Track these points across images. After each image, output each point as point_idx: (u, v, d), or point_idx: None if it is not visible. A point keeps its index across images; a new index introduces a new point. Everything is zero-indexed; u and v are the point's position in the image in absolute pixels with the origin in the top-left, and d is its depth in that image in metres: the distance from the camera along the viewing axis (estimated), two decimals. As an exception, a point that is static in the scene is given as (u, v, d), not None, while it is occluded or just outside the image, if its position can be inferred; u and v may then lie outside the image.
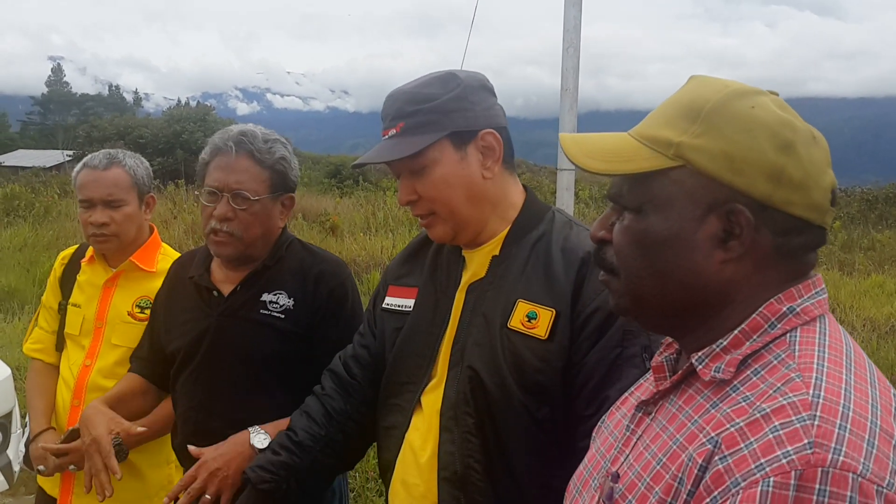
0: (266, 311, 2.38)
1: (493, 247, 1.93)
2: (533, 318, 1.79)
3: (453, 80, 1.88)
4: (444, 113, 1.84)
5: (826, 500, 0.91)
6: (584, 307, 1.75)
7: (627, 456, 1.22)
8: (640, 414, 1.26)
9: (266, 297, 2.39)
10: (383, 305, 2.13)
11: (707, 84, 1.18)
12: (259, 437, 2.16)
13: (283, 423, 2.19)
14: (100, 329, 2.87)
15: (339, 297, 2.43)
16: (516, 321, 1.81)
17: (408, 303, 2.07)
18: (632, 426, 1.26)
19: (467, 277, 1.96)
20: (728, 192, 1.11)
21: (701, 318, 1.17)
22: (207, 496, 2.05)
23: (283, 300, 2.39)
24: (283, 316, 2.37)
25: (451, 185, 1.87)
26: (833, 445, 0.94)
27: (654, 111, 1.23)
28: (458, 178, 1.87)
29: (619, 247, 1.22)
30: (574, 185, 6.67)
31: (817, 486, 0.92)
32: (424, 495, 1.90)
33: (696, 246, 1.14)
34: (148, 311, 2.77)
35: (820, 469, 0.92)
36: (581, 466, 1.37)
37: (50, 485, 2.91)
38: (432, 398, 1.92)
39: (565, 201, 6.11)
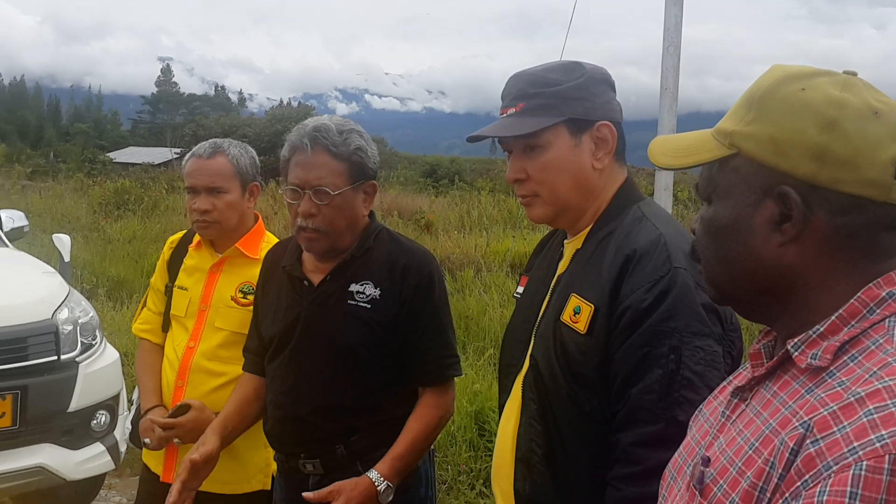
0: (353, 301, 2.42)
1: (579, 240, 1.96)
2: (577, 313, 1.83)
3: (578, 69, 1.93)
4: (565, 99, 1.88)
5: None
6: (619, 304, 1.75)
7: (720, 441, 1.21)
8: (735, 400, 1.25)
9: (354, 287, 2.43)
10: (514, 294, 2.23)
11: (773, 71, 1.19)
12: (383, 487, 2.33)
13: (397, 456, 2.36)
14: (203, 312, 2.97)
15: (426, 288, 2.45)
16: (566, 315, 1.85)
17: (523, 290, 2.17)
18: (727, 412, 1.25)
19: (559, 268, 2.01)
20: (777, 175, 1.12)
21: (780, 303, 1.18)
22: None
23: (370, 290, 2.42)
24: (369, 306, 2.41)
25: (560, 169, 1.90)
26: None
27: None
28: (568, 163, 1.90)
29: (696, 236, 1.28)
30: (672, 186, 6.58)
31: None
32: (507, 475, 1.97)
33: (754, 231, 1.16)
34: (251, 297, 2.86)
35: None
36: (676, 454, 1.37)
37: (154, 462, 3.02)
38: (518, 383, 1.98)
39: (663, 202, 6.04)
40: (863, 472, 0.91)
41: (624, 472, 1.70)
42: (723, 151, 1.18)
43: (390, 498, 2.34)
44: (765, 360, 1.23)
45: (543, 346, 1.90)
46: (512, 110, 1.92)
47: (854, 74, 1.16)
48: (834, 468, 0.94)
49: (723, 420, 1.25)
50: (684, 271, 1.72)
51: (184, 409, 2.83)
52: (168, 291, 3.11)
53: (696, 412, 1.41)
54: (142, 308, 3.26)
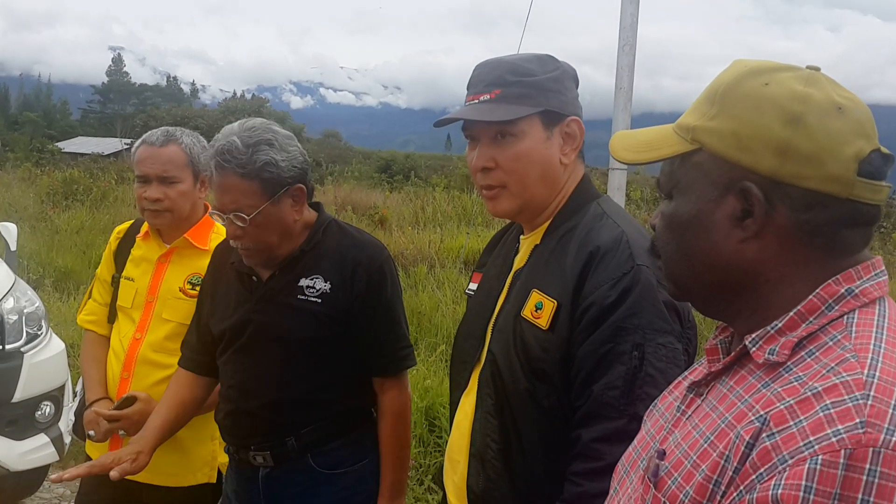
0: (303, 297, 2.39)
1: (536, 236, 1.96)
2: (539, 308, 1.82)
3: (553, 62, 1.93)
4: (542, 90, 1.87)
5: (876, 480, 0.90)
6: (582, 300, 1.75)
7: (675, 434, 1.21)
8: (691, 395, 1.25)
9: (303, 281, 2.41)
10: (466, 290, 2.22)
11: (736, 66, 1.19)
12: None
13: (389, 484, 2.46)
14: (151, 303, 2.92)
15: (378, 281, 2.44)
16: (527, 310, 1.85)
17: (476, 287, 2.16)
18: (682, 407, 1.26)
19: (516, 264, 2.00)
20: (740, 171, 1.11)
21: (741, 299, 1.18)
22: None
23: (320, 284, 2.40)
24: (319, 300, 2.39)
25: (531, 160, 1.88)
26: (886, 426, 0.93)
27: None
28: (539, 155, 1.89)
29: (657, 231, 1.27)
30: (626, 185, 6.64)
31: (868, 466, 0.90)
32: (461, 471, 1.97)
33: (715, 226, 1.15)
34: (199, 288, 2.82)
35: (871, 449, 0.91)
36: (630, 448, 1.37)
37: (97, 453, 2.96)
38: (475, 378, 1.98)
39: (617, 201, 6.07)
40: (818, 466, 0.91)
41: (584, 467, 1.70)
42: (685, 146, 1.18)
43: None
44: (721, 356, 1.24)
45: (502, 341, 1.89)
46: (486, 96, 1.88)
47: (817, 69, 1.16)
48: (789, 461, 0.94)
49: (678, 415, 1.25)
50: (647, 268, 1.72)
51: (130, 401, 2.78)
52: (115, 282, 3.05)
53: (651, 407, 1.41)
54: (87, 299, 3.19)
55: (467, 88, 1.94)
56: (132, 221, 3.18)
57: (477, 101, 1.89)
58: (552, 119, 1.89)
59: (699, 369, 1.29)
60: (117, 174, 24.28)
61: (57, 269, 11.04)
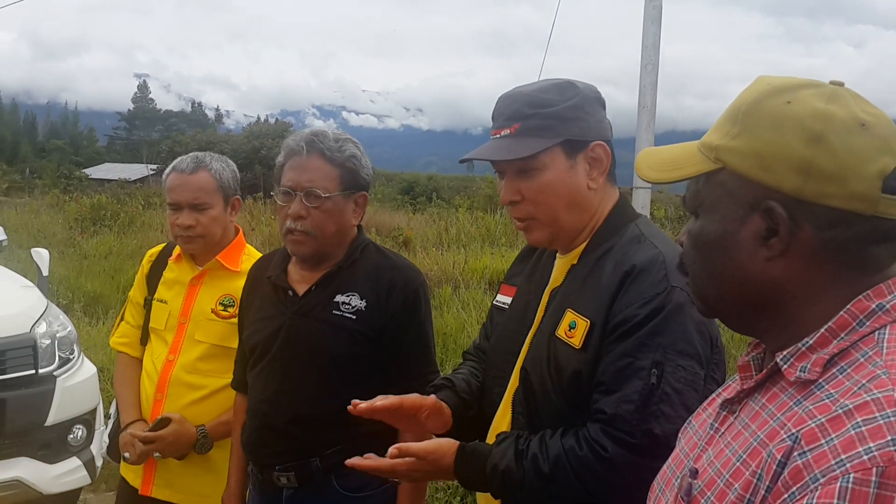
0: (338, 312, 2.42)
1: (574, 256, 1.96)
2: (573, 328, 1.83)
3: (571, 88, 1.91)
4: (561, 120, 1.87)
5: None
6: (613, 317, 1.76)
7: (708, 453, 1.21)
8: (724, 412, 1.25)
9: (339, 297, 2.43)
10: (494, 301, 2.22)
11: (758, 83, 1.19)
12: None
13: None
14: (183, 325, 2.95)
15: (412, 304, 2.46)
16: (561, 330, 1.85)
17: (509, 300, 2.15)
18: (715, 424, 1.26)
19: (552, 282, 2.00)
20: (763, 190, 1.11)
21: (769, 316, 1.18)
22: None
23: (356, 302, 2.42)
24: (354, 317, 2.41)
25: (556, 191, 1.89)
26: None
27: None
28: (564, 185, 1.89)
29: (684, 250, 1.27)
30: (650, 204, 6.64)
31: None
32: None
33: (741, 245, 1.15)
34: (231, 310, 2.85)
35: None
36: (665, 466, 1.37)
37: (132, 475, 2.99)
38: (508, 395, 1.98)
39: (640, 220, 6.08)
40: (850, 485, 0.91)
41: (592, 437, 1.72)
42: (708, 165, 1.18)
43: None
44: (754, 373, 1.23)
45: (536, 360, 1.90)
46: (506, 131, 1.89)
47: (841, 85, 1.16)
48: (821, 480, 0.94)
49: (711, 432, 1.25)
50: (681, 291, 1.72)
51: (164, 422, 2.81)
52: (147, 304, 3.09)
53: (686, 424, 1.41)
54: (119, 321, 3.23)
55: (492, 120, 1.96)
56: (164, 245, 3.22)
57: (499, 135, 1.91)
58: (575, 147, 1.89)
59: (732, 386, 1.29)
60: (144, 199, 24.53)
61: (86, 294, 11.13)
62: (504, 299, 2.17)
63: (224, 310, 2.91)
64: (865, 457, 0.92)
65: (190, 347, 2.92)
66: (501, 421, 1.99)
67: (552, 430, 1.79)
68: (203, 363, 2.89)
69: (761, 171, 1.12)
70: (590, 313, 1.80)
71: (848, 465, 0.93)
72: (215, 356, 2.87)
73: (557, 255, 2.02)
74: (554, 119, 1.86)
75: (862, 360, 1.06)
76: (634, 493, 1.49)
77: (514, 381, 1.97)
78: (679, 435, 1.42)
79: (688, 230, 1.26)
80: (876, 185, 1.07)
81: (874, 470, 0.91)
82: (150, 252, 3.23)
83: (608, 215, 1.95)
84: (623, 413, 1.69)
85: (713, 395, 1.39)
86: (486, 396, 2.12)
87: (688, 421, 1.41)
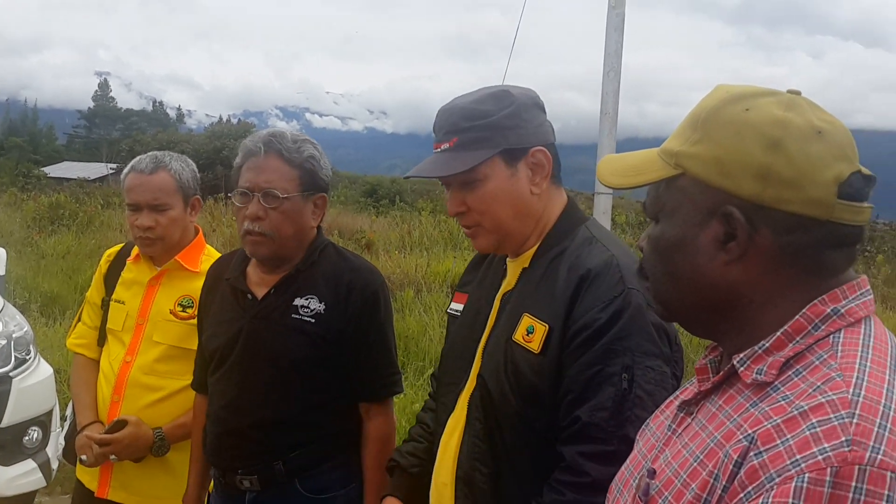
0: (297, 316, 2.40)
1: (525, 259, 1.97)
2: (531, 332, 1.84)
3: (507, 97, 1.91)
4: (498, 130, 1.87)
5: (862, 498, 0.91)
6: (573, 323, 1.77)
7: (666, 454, 1.23)
8: (681, 414, 1.27)
9: (298, 301, 2.42)
10: (448, 310, 2.23)
11: (718, 91, 1.21)
12: None
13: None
14: (141, 326, 2.92)
15: (372, 306, 2.46)
16: (518, 334, 1.86)
17: (462, 307, 2.16)
18: (673, 426, 1.27)
19: (504, 287, 2.01)
20: (722, 195, 1.13)
21: (726, 319, 1.20)
22: None
23: (315, 305, 2.41)
24: (313, 320, 2.40)
25: (499, 200, 1.90)
26: (871, 444, 0.94)
27: None
28: (507, 193, 1.91)
29: (644, 254, 1.29)
30: (611, 210, 6.68)
31: (854, 484, 0.92)
32: (448, 495, 1.97)
33: (699, 249, 1.17)
34: (190, 310, 2.83)
35: (857, 467, 0.92)
36: (623, 467, 1.39)
37: (88, 477, 2.96)
38: (463, 401, 1.98)
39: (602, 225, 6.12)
40: (805, 485, 0.93)
41: (569, 479, 1.72)
42: (669, 171, 1.20)
43: None
44: (711, 375, 1.25)
45: (493, 365, 1.90)
46: (445, 145, 1.91)
47: (798, 93, 1.18)
48: (776, 480, 0.96)
49: (669, 433, 1.27)
50: (637, 292, 1.74)
51: (120, 424, 2.78)
52: (105, 305, 3.05)
53: (644, 426, 1.43)
54: (76, 322, 3.18)
55: (433, 133, 1.97)
56: (122, 245, 3.18)
57: (439, 149, 1.92)
58: (514, 155, 1.90)
59: (689, 389, 1.31)
60: (103, 199, 24.18)
61: (43, 294, 10.95)
62: (457, 307, 2.18)
63: (183, 311, 2.88)
64: (820, 457, 0.94)
65: (147, 349, 2.89)
66: (455, 425, 1.99)
67: None
68: (161, 364, 2.86)
69: (721, 176, 1.13)
70: (547, 317, 1.81)
71: (803, 465, 0.95)
72: (173, 357, 2.84)
73: (508, 259, 2.03)
74: (491, 130, 1.87)
75: (817, 363, 1.08)
76: None
77: (469, 386, 1.97)
78: (637, 437, 1.43)
79: (648, 235, 1.28)
80: (832, 190, 1.09)
81: (829, 470, 0.93)
82: (108, 252, 3.18)
83: (558, 218, 1.97)
84: (598, 421, 1.70)
85: (671, 397, 1.41)
86: (440, 402, 2.13)
87: (646, 423, 1.43)
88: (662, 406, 1.42)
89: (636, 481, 1.27)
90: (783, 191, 1.10)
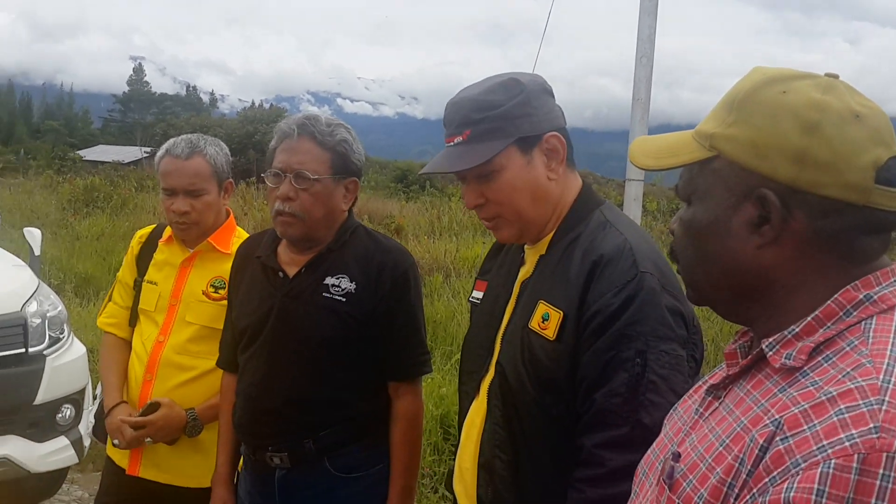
0: (328, 295, 2.42)
1: (542, 246, 1.97)
2: (546, 319, 1.83)
3: (517, 86, 1.89)
4: (510, 119, 1.86)
5: (890, 485, 0.90)
6: (587, 309, 1.77)
7: (692, 437, 1.22)
8: (709, 398, 1.26)
9: (329, 280, 2.44)
10: (469, 298, 2.22)
11: (754, 73, 1.20)
12: None
13: (399, 491, 2.49)
14: (174, 307, 2.95)
15: (402, 286, 2.47)
16: (534, 322, 1.86)
17: (482, 295, 2.16)
18: (700, 409, 1.27)
19: (522, 274, 2.01)
20: (757, 178, 1.12)
21: (758, 304, 1.19)
22: None
23: (346, 284, 2.43)
24: (344, 299, 2.42)
25: (517, 189, 1.89)
26: None
27: None
28: (524, 182, 1.89)
29: (675, 237, 1.28)
30: (642, 196, 6.64)
31: (881, 472, 0.91)
32: (470, 480, 1.98)
33: (732, 232, 1.16)
34: (222, 292, 2.85)
35: (885, 454, 0.91)
36: (649, 451, 1.38)
37: (119, 455, 2.99)
38: (484, 388, 1.99)
39: (633, 212, 6.08)
40: (831, 471, 0.92)
41: (588, 473, 1.72)
42: (703, 153, 1.19)
43: None
44: (740, 360, 1.24)
45: (510, 353, 1.91)
46: (458, 138, 1.89)
47: (836, 77, 1.17)
48: (802, 465, 0.95)
49: (696, 417, 1.26)
50: (650, 276, 1.74)
51: (153, 407, 2.81)
52: (137, 286, 3.07)
53: (672, 410, 1.42)
54: (107, 302, 3.22)
55: (444, 127, 1.96)
56: (154, 226, 3.22)
57: (452, 143, 1.91)
58: (528, 143, 1.88)
59: (718, 373, 1.30)
60: (137, 182, 24.48)
61: (77, 275, 11.12)
62: (478, 294, 2.18)
63: (215, 291, 2.91)
64: (847, 443, 0.93)
65: (180, 329, 2.92)
66: (477, 412, 1.99)
67: None
68: (193, 345, 2.89)
69: (756, 159, 1.12)
70: (562, 304, 1.81)
71: (829, 451, 0.93)
72: (205, 338, 2.87)
73: (526, 246, 2.03)
74: (503, 120, 1.86)
75: (847, 349, 1.06)
76: None
77: (489, 374, 1.98)
78: (665, 421, 1.43)
79: (679, 218, 1.27)
80: (870, 175, 1.08)
81: (856, 457, 0.92)
82: (139, 233, 3.21)
83: (573, 203, 1.96)
84: (612, 407, 1.70)
85: (699, 381, 1.40)
86: (462, 389, 2.14)
87: (674, 407, 1.42)
88: (691, 391, 1.41)
89: (661, 464, 1.27)
90: (819, 174, 1.09)
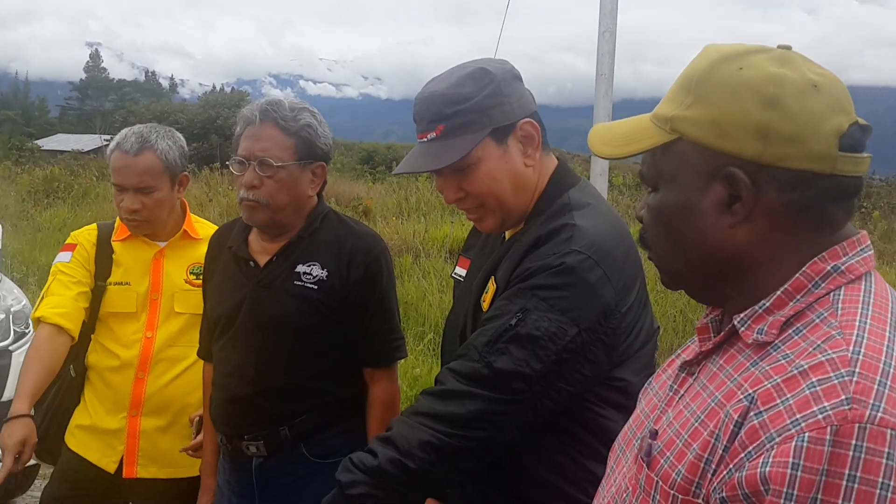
0: (300, 282, 2.41)
1: (518, 228, 1.97)
2: (486, 292, 1.88)
3: (486, 75, 1.87)
4: (483, 111, 1.84)
5: (863, 456, 0.91)
6: (514, 279, 1.79)
7: (668, 414, 1.23)
8: (682, 374, 1.27)
9: (300, 268, 2.43)
10: (452, 274, 2.23)
11: (707, 52, 1.19)
12: None
13: None
14: (156, 301, 2.91)
15: (374, 272, 2.46)
16: (483, 298, 1.90)
17: (465, 273, 2.16)
18: (674, 386, 1.27)
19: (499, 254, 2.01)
20: (723, 157, 1.12)
21: (732, 283, 1.19)
22: None
23: (317, 271, 2.42)
24: (315, 287, 2.41)
25: (497, 179, 1.88)
26: (872, 401, 0.94)
27: None
28: (502, 171, 1.88)
29: (645, 224, 1.27)
30: (608, 172, 6.67)
31: (854, 442, 0.91)
32: None
33: (703, 213, 1.16)
34: (203, 276, 2.81)
35: (857, 425, 0.92)
36: (626, 426, 1.39)
37: (105, 459, 2.92)
38: None
39: (599, 187, 6.11)
40: (805, 444, 0.93)
41: (430, 389, 1.80)
42: (664, 137, 1.18)
43: None
44: (712, 335, 1.25)
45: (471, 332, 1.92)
46: (432, 134, 1.86)
47: (789, 48, 1.17)
48: (777, 439, 0.95)
49: (671, 394, 1.27)
50: (578, 254, 1.72)
51: (200, 423, 2.80)
52: (99, 290, 2.92)
53: (646, 385, 1.43)
54: (42, 298, 2.93)
55: (414, 122, 1.93)
56: (94, 226, 3.06)
57: (425, 139, 1.88)
58: (503, 132, 1.87)
59: (691, 348, 1.31)
60: (98, 171, 24.09)
61: (40, 268, 10.96)
62: (461, 271, 2.18)
63: (196, 278, 2.89)
64: (820, 416, 0.94)
65: (169, 321, 2.90)
66: None
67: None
68: (184, 335, 2.88)
69: (719, 138, 1.12)
70: (499, 279, 1.84)
71: (803, 424, 0.94)
72: (195, 326, 2.82)
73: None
74: (475, 112, 1.83)
75: (817, 321, 1.07)
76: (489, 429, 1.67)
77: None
78: (640, 395, 1.43)
79: (646, 204, 1.26)
80: (833, 143, 1.09)
81: (829, 429, 0.93)
82: (83, 238, 3.01)
83: (545, 188, 1.94)
84: (476, 343, 1.74)
85: (672, 356, 1.41)
86: (442, 368, 2.14)
87: (648, 382, 1.43)
88: (664, 365, 1.42)
89: (638, 441, 1.27)
90: (784, 148, 1.09)
